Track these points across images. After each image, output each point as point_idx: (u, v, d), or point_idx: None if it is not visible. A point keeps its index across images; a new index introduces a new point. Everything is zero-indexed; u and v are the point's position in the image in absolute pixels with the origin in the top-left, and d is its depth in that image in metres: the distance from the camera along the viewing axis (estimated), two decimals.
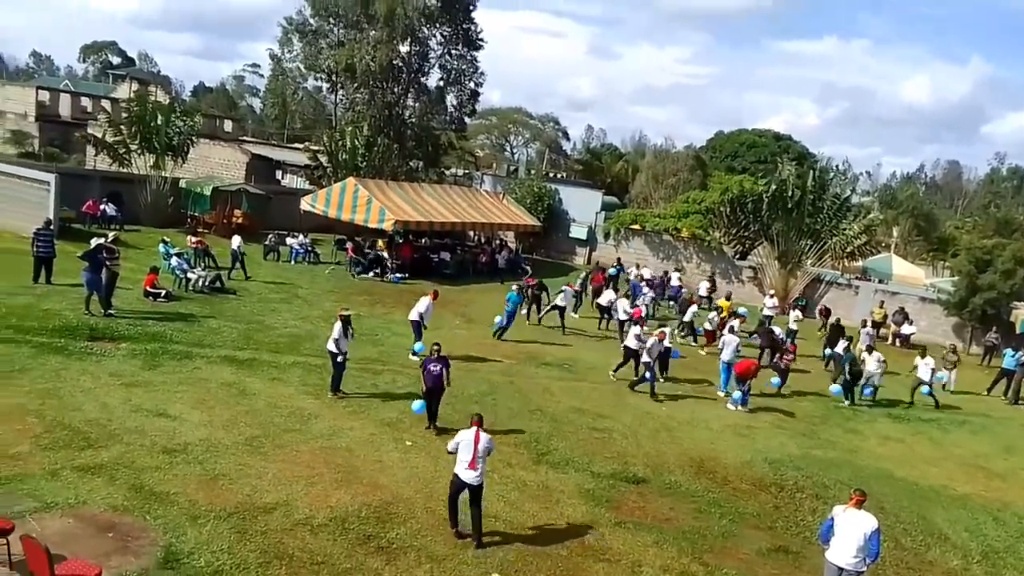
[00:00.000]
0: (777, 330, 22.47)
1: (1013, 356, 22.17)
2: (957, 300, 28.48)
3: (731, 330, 19.41)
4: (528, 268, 29.66)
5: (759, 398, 17.60)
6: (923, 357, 19.59)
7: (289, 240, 28.50)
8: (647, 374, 16.97)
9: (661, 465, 12.87)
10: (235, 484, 9.97)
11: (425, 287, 25.87)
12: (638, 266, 32.20)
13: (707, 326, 22.78)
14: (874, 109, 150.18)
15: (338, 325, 13.76)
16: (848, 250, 32.66)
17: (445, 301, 23.46)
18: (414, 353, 16.41)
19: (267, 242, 27.87)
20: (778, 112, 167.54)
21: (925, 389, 19.34)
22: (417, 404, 12.71)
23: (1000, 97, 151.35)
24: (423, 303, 17.26)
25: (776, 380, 18.47)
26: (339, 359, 13.74)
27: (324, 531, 9.11)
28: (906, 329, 27.62)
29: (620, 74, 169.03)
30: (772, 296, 28.86)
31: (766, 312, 26.71)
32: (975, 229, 43.28)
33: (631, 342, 17.81)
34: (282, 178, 41.14)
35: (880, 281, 34.85)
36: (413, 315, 17.22)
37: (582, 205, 39.81)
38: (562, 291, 22.80)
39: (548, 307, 22.96)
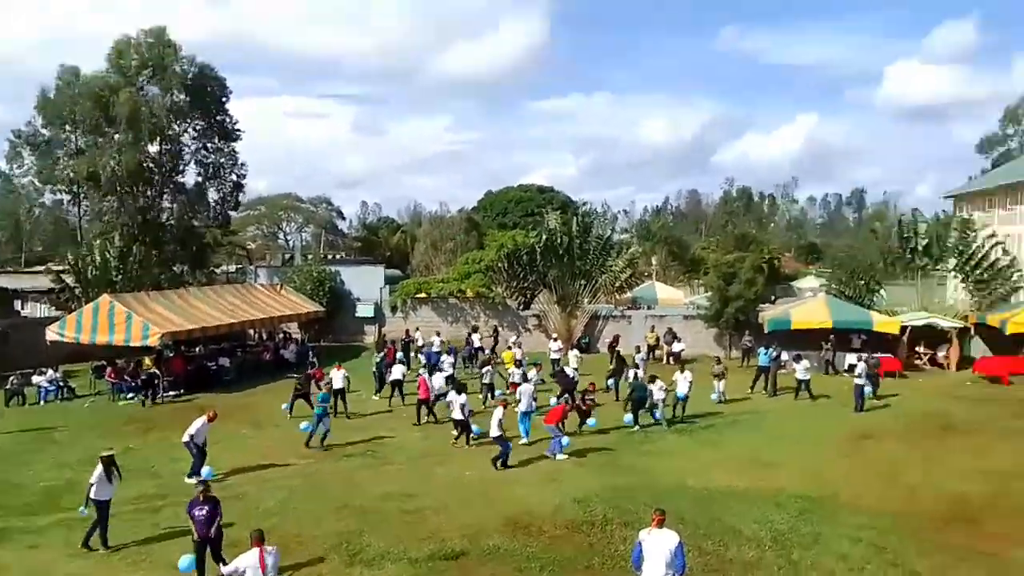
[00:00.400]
0: (568, 370, 23.57)
1: (766, 353, 25.03)
2: (713, 313, 31.75)
3: (524, 379, 20.09)
4: (315, 361, 28.40)
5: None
6: (682, 372, 21.14)
7: (36, 378, 25.22)
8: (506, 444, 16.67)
9: (478, 532, 12.77)
10: None
11: (205, 401, 24.26)
12: (438, 333, 32.43)
13: (514, 380, 22.96)
14: (622, 154, 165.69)
15: (98, 469, 12.15)
16: (617, 284, 35.30)
17: (231, 409, 22.13)
18: (190, 476, 15.32)
19: (8, 386, 24.50)
20: (541, 167, 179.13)
21: (681, 394, 20.69)
22: (185, 561, 10.63)
23: (723, 129, 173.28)
24: (196, 424, 15.91)
25: (592, 421, 19.28)
26: (83, 511, 12.13)
27: None
28: (676, 347, 30.20)
29: (389, 148, 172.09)
30: (556, 340, 30.35)
31: (552, 356, 27.98)
32: (718, 247, 48.66)
33: (457, 414, 18.06)
34: (22, 308, 36.63)
35: (648, 307, 38.03)
36: (184, 436, 15.87)
37: (365, 283, 39.49)
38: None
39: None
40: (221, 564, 10.13)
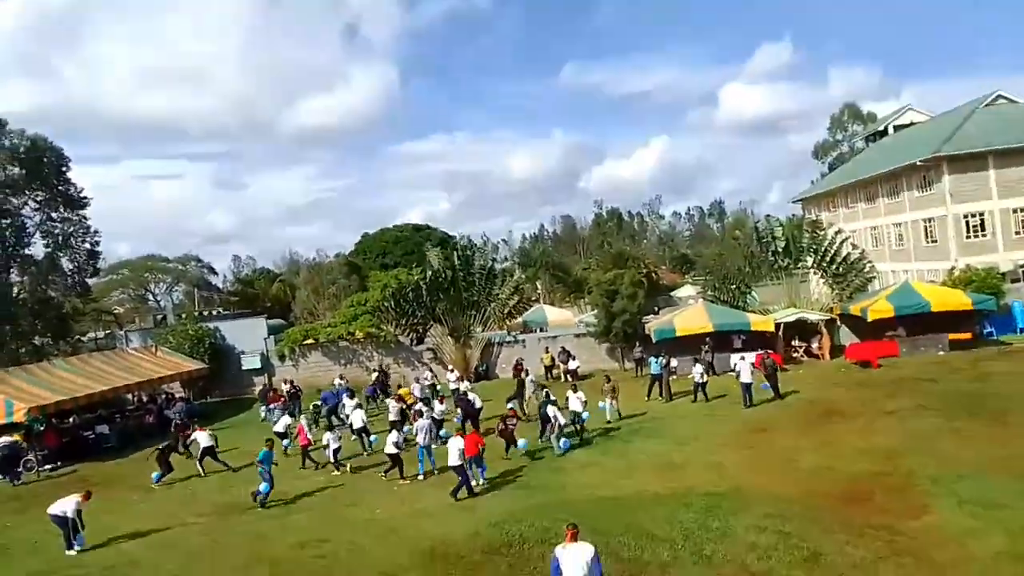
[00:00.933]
0: (472, 396, 23.46)
1: (656, 361, 25.97)
2: (602, 329, 32.66)
3: (420, 414, 19.95)
4: (183, 420, 26.56)
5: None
6: (575, 391, 21.21)
7: None
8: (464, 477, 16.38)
9: (396, 569, 12.49)
10: None
11: (86, 471, 22.56)
12: (341, 376, 31.82)
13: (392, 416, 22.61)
14: (493, 187, 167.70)
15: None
16: (506, 311, 35.69)
17: (116, 476, 20.80)
18: (69, 548, 14.71)
19: None
20: (414, 205, 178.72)
21: (585, 415, 20.83)
22: None
23: (583, 157, 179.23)
24: (69, 502, 14.97)
25: (523, 442, 19.27)
26: None
27: None
28: (572, 364, 30.79)
29: (254, 201, 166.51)
30: (453, 371, 30.35)
31: (451, 386, 27.88)
32: (598, 267, 50.18)
33: (391, 448, 18.09)
34: None
35: (540, 330, 38.68)
36: (55, 509, 14.91)
37: (248, 335, 37.98)
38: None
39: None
40: None
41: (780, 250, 33.71)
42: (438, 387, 28.64)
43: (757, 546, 12.04)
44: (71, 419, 28.01)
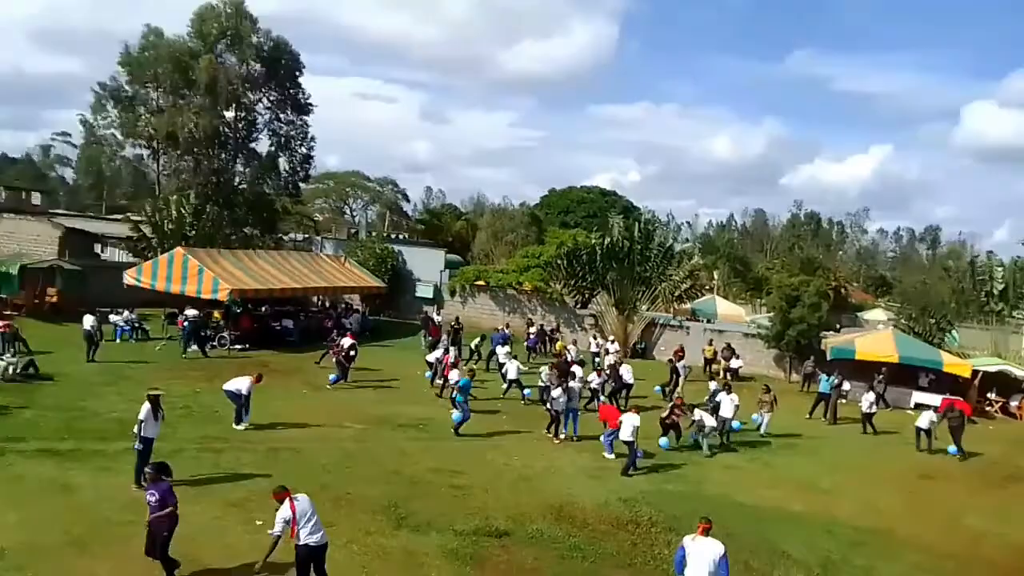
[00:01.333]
0: (625, 373, 23.28)
1: (827, 381, 24.47)
2: (774, 333, 31.11)
3: (572, 376, 20.07)
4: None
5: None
6: (728, 393, 19.84)
7: (113, 317, 26.34)
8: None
9: (522, 516, 12.88)
10: None
11: (268, 358, 24.97)
12: (507, 325, 32.74)
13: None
14: (687, 165, 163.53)
15: (146, 407, 12.54)
16: (676, 294, 34.88)
17: (292, 369, 22.75)
18: (238, 423, 16.44)
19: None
20: (604, 170, 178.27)
21: (736, 424, 19.72)
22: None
23: (792, 152, 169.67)
24: (243, 381, 16.53)
25: (664, 442, 18.33)
26: (139, 446, 12.37)
27: None
28: (734, 363, 29.72)
29: (454, 137, 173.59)
30: (613, 342, 30.17)
31: (609, 358, 27.75)
32: (783, 269, 47.74)
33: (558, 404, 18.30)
34: (102, 252, 38.20)
35: (708, 321, 37.50)
36: (230, 386, 16.56)
37: (426, 264, 40.00)
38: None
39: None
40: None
41: (996, 292, 30.44)
42: (598, 358, 28.60)
43: None
44: (264, 308, 31.00)
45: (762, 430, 20.72)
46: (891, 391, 26.83)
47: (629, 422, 16.27)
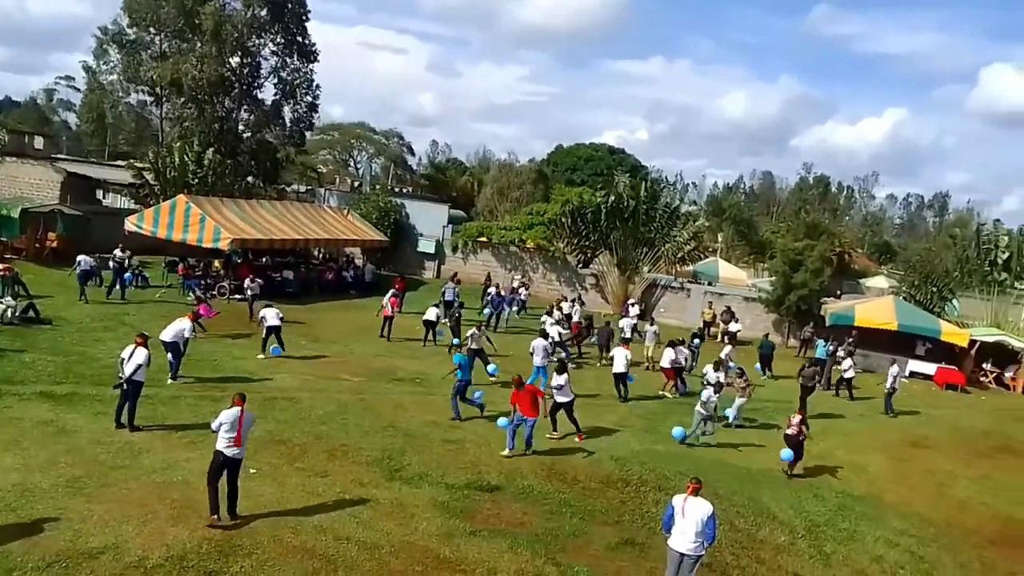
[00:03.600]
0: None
1: (824, 347, 24.52)
2: (775, 298, 31.08)
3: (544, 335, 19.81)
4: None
5: (601, 397, 18.35)
6: (716, 370, 18.81)
7: (112, 263, 26.36)
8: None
9: (514, 471, 13.05)
10: (55, 530, 9.09)
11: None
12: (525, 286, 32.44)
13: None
14: (698, 125, 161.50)
15: (145, 352, 12.62)
16: (679, 255, 34.78)
17: (289, 321, 22.66)
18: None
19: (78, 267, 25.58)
20: (612, 127, 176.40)
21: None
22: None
23: (805, 113, 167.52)
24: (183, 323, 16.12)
25: (787, 454, 15.89)
26: (126, 386, 12.45)
27: (159, 571, 8.49)
28: (733, 327, 29.73)
29: (462, 91, 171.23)
30: (634, 305, 29.83)
31: (632, 320, 27.26)
32: (788, 233, 47.40)
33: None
34: (103, 198, 38.11)
35: (709, 283, 37.47)
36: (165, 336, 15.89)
37: (429, 219, 39.84)
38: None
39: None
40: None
41: (1000, 262, 30.21)
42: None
43: (883, 560, 11.49)
44: (264, 259, 31.01)
45: (731, 419, 17.96)
46: (886, 358, 26.86)
47: (620, 354, 18.41)
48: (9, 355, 16.08)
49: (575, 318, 26.13)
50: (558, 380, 15.03)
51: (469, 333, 19.77)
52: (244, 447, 10.00)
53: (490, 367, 18.82)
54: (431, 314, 22.92)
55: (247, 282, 24.04)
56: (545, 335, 19.58)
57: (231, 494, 9.88)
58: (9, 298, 19.85)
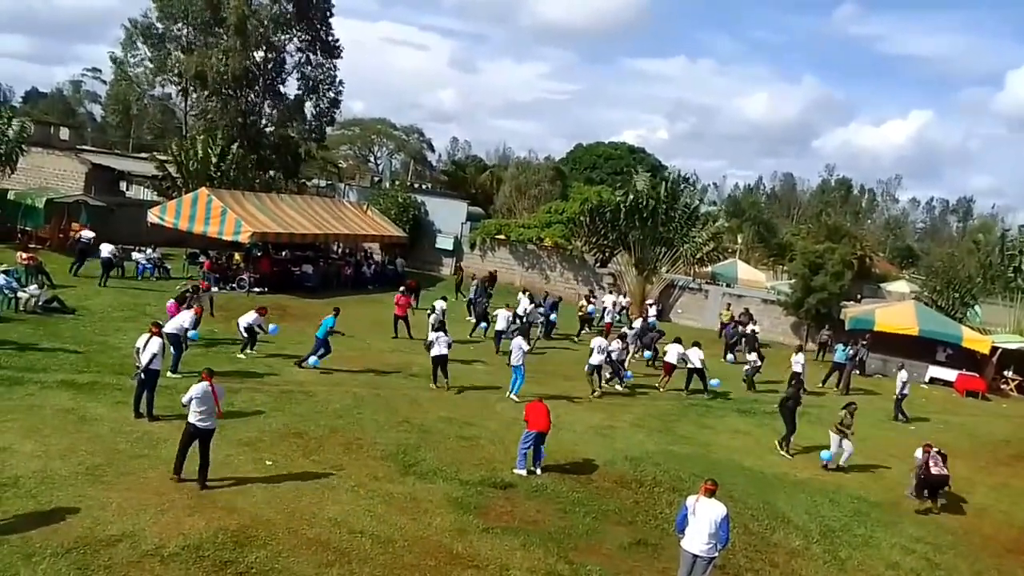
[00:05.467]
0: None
1: (843, 351, 24.30)
2: (794, 300, 30.83)
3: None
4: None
5: (617, 397, 18.30)
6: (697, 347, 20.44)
7: (135, 255, 26.71)
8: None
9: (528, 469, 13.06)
10: (74, 517, 9.22)
11: (286, 302, 25.24)
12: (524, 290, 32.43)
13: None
14: (719, 125, 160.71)
15: (159, 341, 12.84)
16: (698, 256, 34.56)
17: (309, 314, 22.93)
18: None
19: (104, 256, 25.94)
20: (632, 126, 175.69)
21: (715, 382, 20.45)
22: None
23: (828, 114, 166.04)
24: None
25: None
26: (142, 376, 12.63)
27: (176, 560, 8.59)
28: (751, 328, 29.52)
29: (483, 88, 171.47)
30: (652, 305, 29.94)
31: (651, 319, 27.48)
32: (808, 235, 47.03)
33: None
34: (127, 189, 38.53)
35: (727, 285, 37.27)
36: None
37: (448, 216, 39.94)
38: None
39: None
40: None
41: None
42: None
43: (899, 566, 11.41)
44: (284, 253, 31.22)
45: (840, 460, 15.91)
46: (905, 364, 26.52)
47: (596, 343, 18.60)
48: (32, 343, 16.31)
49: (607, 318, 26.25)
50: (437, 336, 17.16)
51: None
52: (211, 420, 10.52)
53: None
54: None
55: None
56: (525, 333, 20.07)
57: (203, 464, 10.47)
58: (33, 287, 20.14)
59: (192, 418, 10.40)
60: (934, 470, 14.10)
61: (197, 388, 10.44)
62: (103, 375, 14.77)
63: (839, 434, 15.67)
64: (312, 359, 17.44)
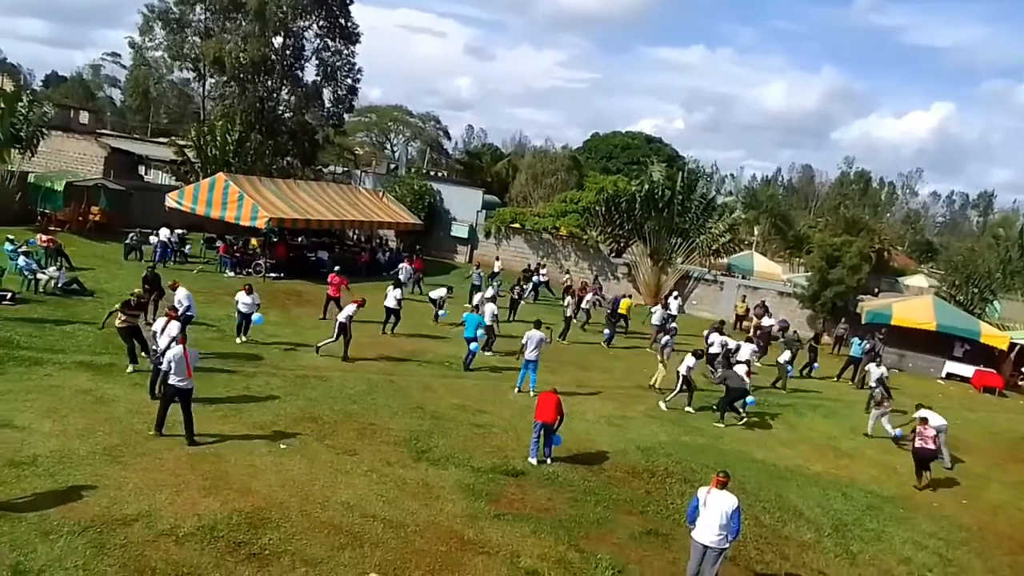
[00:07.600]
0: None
1: (859, 344, 24.13)
2: (811, 293, 30.62)
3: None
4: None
5: (630, 388, 18.27)
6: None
7: (153, 238, 26.92)
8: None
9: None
10: (91, 496, 9.34)
11: (300, 287, 25.38)
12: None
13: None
14: (737, 115, 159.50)
15: (176, 324, 13.04)
16: (714, 247, 34.43)
17: (323, 300, 22.98)
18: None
19: (128, 240, 26.24)
20: (649, 116, 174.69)
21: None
22: None
23: (848, 105, 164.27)
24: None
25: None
26: (159, 359, 12.59)
27: (191, 540, 8.70)
28: (766, 321, 29.35)
29: (500, 76, 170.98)
30: (676, 297, 29.75)
31: (672, 312, 27.29)
32: (826, 228, 46.60)
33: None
34: (145, 174, 38.84)
35: (743, 277, 37.04)
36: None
37: (463, 204, 39.93)
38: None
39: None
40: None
41: None
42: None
43: (911, 561, 11.34)
44: (300, 239, 31.37)
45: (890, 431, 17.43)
46: (922, 359, 26.38)
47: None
48: (51, 324, 16.51)
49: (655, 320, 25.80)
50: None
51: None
52: (187, 380, 11.31)
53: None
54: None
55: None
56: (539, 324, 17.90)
57: (187, 422, 11.30)
58: (53, 269, 20.37)
59: (171, 380, 11.20)
60: (917, 443, 14.64)
61: (173, 352, 11.31)
62: (121, 357, 14.89)
63: (878, 408, 17.43)
64: (473, 345, 18.46)
